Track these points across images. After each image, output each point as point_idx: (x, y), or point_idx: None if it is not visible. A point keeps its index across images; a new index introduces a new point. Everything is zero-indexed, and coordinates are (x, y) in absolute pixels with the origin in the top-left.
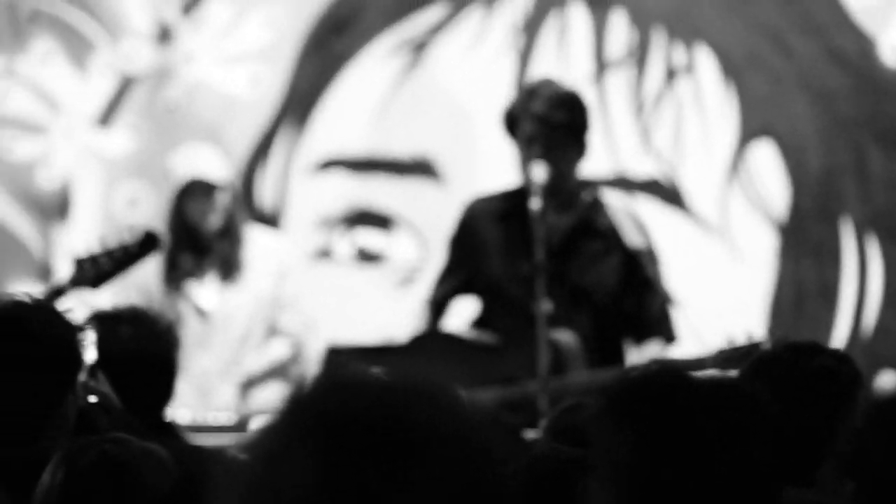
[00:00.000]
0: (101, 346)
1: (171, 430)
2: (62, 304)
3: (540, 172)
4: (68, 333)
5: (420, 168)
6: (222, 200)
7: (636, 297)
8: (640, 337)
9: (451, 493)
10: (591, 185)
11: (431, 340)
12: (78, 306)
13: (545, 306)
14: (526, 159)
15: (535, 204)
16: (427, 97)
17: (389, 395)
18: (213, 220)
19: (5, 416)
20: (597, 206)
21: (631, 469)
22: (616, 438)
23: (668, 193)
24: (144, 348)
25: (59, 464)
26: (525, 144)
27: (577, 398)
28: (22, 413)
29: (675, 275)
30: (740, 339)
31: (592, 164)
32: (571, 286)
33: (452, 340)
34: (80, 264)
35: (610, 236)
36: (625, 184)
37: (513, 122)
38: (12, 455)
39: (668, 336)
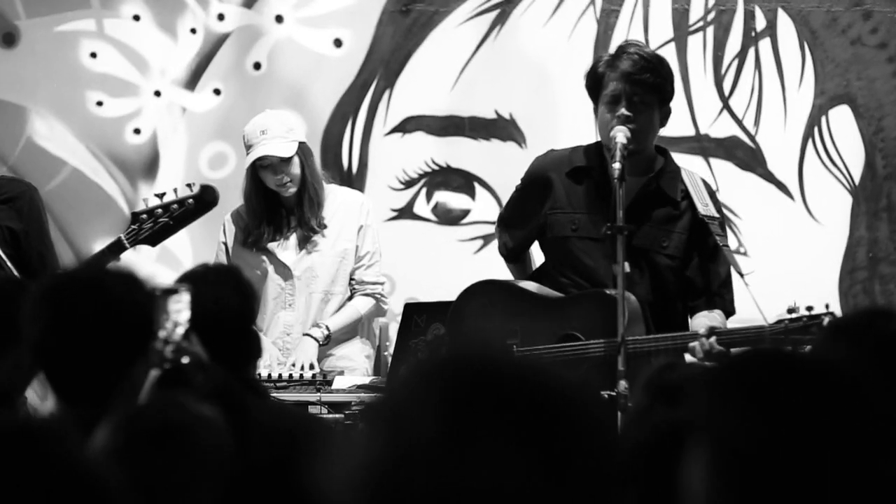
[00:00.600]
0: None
1: (258, 389)
2: (121, 260)
3: (622, 133)
4: (147, 301)
5: (501, 129)
6: (295, 168)
7: (701, 264)
8: (700, 305)
9: (570, 457)
10: (665, 151)
11: (483, 292)
12: (141, 260)
13: (625, 268)
14: (609, 119)
15: (617, 165)
16: (509, 59)
17: (514, 367)
18: (289, 188)
19: (83, 374)
20: (669, 172)
21: (739, 447)
22: (726, 416)
23: (746, 156)
24: (229, 307)
25: (117, 427)
26: (609, 103)
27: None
28: (96, 375)
29: (752, 235)
30: (801, 311)
31: (673, 127)
32: (636, 248)
33: (517, 293)
34: (138, 219)
35: (680, 202)
36: (704, 146)
37: (597, 80)
38: (80, 413)
39: (727, 308)
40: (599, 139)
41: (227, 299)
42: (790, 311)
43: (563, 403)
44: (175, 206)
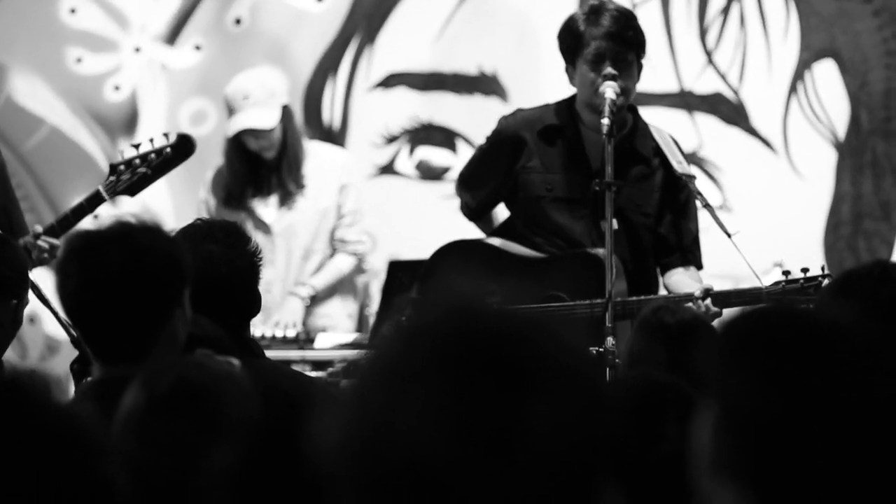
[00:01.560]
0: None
1: (254, 348)
2: (98, 212)
3: (612, 89)
4: (173, 249)
5: (484, 85)
6: (276, 133)
7: (673, 221)
8: (674, 262)
9: (564, 416)
10: (634, 108)
11: (458, 252)
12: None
13: (613, 225)
14: (593, 77)
15: (606, 121)
16: (491, 14)
17: (508, 324)
18: (270, 151)
19: (119, 330)
20: (640, 129)
21: (751, 408)
22: (737, 379)
23: (730, 111)
24: (231, 264)
25: (138, 388)
26: (593, 62)
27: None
28: (133, 328)
29: (736, 191)
30: (784, 268)
31: (657, 82)
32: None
33: (494, 252)
34: (116, 170)
35: (652, 160)
36: (688, 101)
37: (576, 38)
38: (125, 373)
39: (697, 264)
40: (572, 97)
41: (238, 258)
42: (785, 272)
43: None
44: (153, 155)
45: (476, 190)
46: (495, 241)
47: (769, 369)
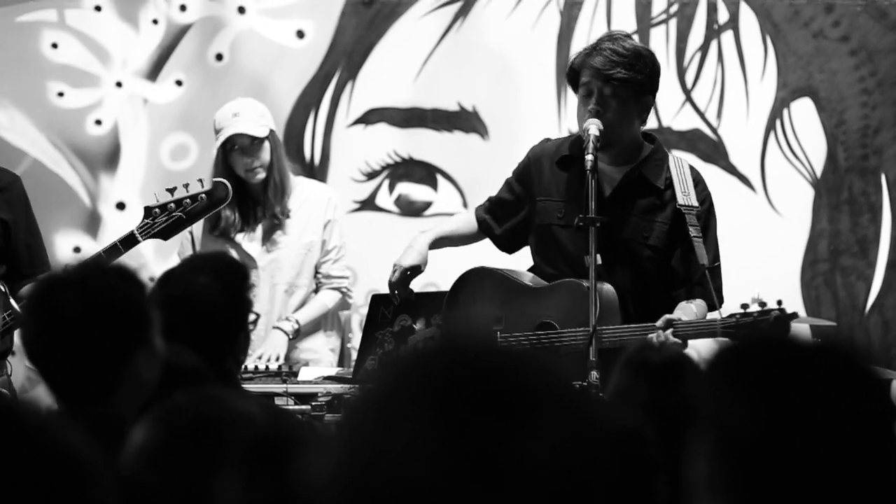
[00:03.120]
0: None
1: (234, 381)
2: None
3: (595, 125)
4: (137, 292)
5: (464, 121)
6: (265, 153)
7: (682, 254)
8: (681, 295)
9: (554, 446)
10: (654, 138)
11: (476, 279)
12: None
13: (596, 260)
14: (583, 112)
15: (589, 157)
16: (472, 51)
17: (495, 356)
18: (258, 173)
19: (79, 373)
20: (655, 160)
21: (743, 436)
22: (730, 404)
23: (708, 148)
24: (220, 297)
25: (154, 424)
26: (583, 96)
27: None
28: (91, 372)
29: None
30: (752, 307)
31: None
32: (619, 239)
33: (502, 280)
34: (151, 213)
35: (664, 191)
36: (666, 138)
37: (575, 73)
38: (87, 412)
39: (706, 297)
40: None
41: (228, 293)
42: (743, 305)
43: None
44: (188, 201)
45: (502, 218)
46: (508, 270)
47: (762, 395)
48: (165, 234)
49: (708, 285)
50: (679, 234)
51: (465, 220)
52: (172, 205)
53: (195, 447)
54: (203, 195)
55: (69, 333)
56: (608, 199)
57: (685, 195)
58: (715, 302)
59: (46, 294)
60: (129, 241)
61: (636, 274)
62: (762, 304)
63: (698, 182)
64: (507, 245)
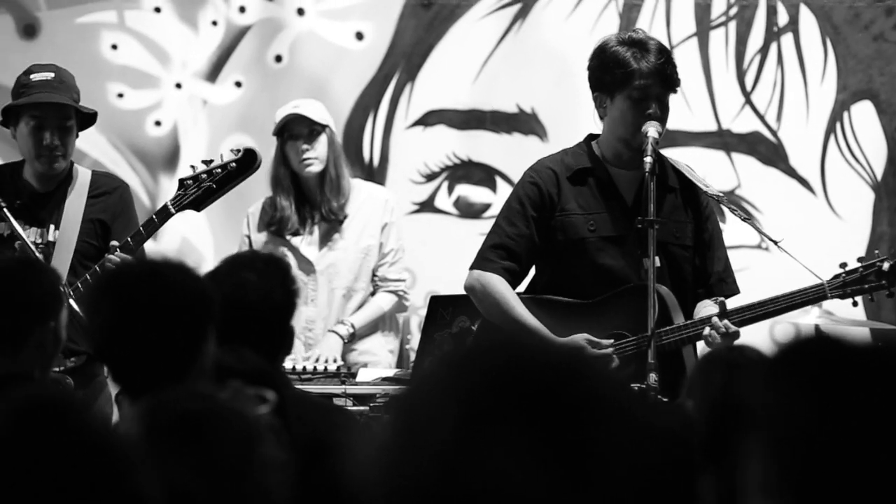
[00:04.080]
0: (228, 291)
1: (283, 379)
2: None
3: (655, 128)
4: (200, 285)
5: (522, 123)
6: (321, 145)
7: (706, 251)
8: (704, 292)
9: (611, 456)
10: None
11: (532, 304)
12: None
13: (655, 262)
14: (634, 114)
15: (648, 159)
16: (531, 53)
17: (550, 358)
18: (313, 164)
19: (146, 368)
20: (663, 161)
21: (797, 437)
22: (785, 405)
23: (768, 151)
24: (273, 299)
25: (141, 417)
26: (637, 99)
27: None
28: (162, 364)
29: (773, 231)
30: (853, 264)
31: (695, 121)
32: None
33: (545, 304)
34: (184, 184)
35: (679, 190)
36: (726, 141)
37: (624, 74)
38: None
39: (731, 291)
40: (587, 139)
41: (273, 290)
42: (842, 264)
43: (589, 403)
44: (218, 169)
45: (523, 259)
46: (541, 296)
47: (817, 396)
48: (196, 204)
49: (731, 276)
50: (700, 230)
51: (507, 288)
52: (204, 175)
53: (173, 443)
54: (233, 163)
55: (142, 325)
56: (632, 206)
57: (707, 187)
58: (738, 289)
59: (118, 285)
60: (163, 214)
61: (676, 276)
62: (860, 258)
63: (701, 178)
64: (525, 276)
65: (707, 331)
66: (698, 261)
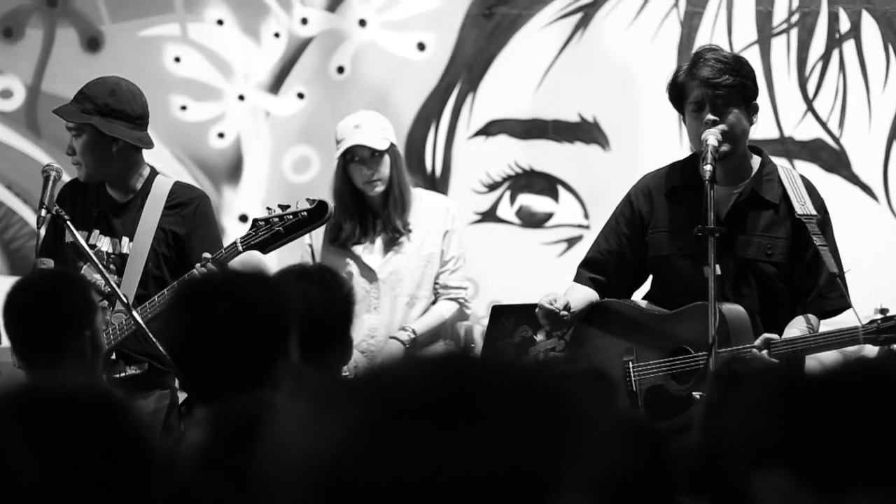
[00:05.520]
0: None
1: None
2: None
3: (714, 136)
4: (278, 299)
5: (584, 132)
6: (385, 167)
7: (805, 267)
8: (798, 310)
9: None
10: (761, 150)
11: (600, 314)
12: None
13: (716, 270)
14: (696, 126)
15: (707, 167)
16: (592, 62)
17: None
18: (377, 186)
19: (220, 380)
20: (766, 175)
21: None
22: (802, 436)
23: (830, 158)
24: (326, 306)
25: (209, 424)
26: (694, 111)
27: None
28: (236, 375)
29: (837, 238)
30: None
31: (757, 129)
32: (739, 259)
33: (628, 310)
34: (256, 224)
35: (778, 206)
36: (788, 148)
37: (679, 90)
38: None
39: (834, 307)
40: (690, 149)
41: (331, 300)
42: (882, 310)
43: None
44: (290, 216)
45: (605, 268)
46: (631, 301)
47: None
48: (263, 246)
49: (835, 292)
50: (801, 247)
51: (574, 288)
52: (276, 219)
53: (240, 450)
54: (304, 212)
55: (218, 336)
56: (725, 220)
57: (802, 205)
58: (851, 304)
59: (196, 296)
60: (230, 250)
61: (764, 293)
62: (883, 310)
63: (811, 190)
64: (628, 288)
65: (748, 357)
66: (797, 277)
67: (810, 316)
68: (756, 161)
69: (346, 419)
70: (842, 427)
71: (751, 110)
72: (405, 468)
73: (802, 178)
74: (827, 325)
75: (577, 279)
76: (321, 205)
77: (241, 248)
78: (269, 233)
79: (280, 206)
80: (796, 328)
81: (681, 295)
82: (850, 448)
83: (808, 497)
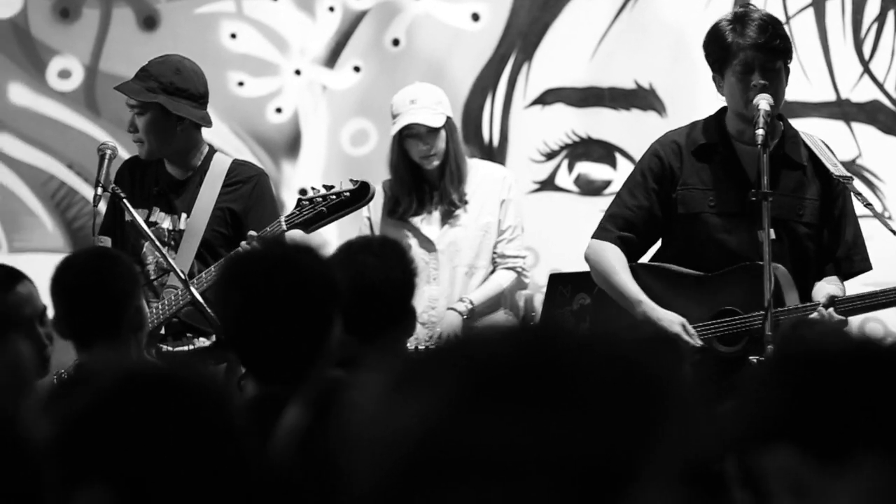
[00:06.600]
0: (348, 275)
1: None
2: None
3: (766, 100)
4: (329, 272)
5: (641, 99)
6: (441, 141)
7: (833, 229)
8: (829, 270)
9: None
10: (781, 115)
11: (644, 274)
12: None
13: (770, 234)
14: (742, 88)
15: (760, 131)
16: (647, 28)
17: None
18: (433, 161)
19: (275, 355)
20: (790, 137)
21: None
22: (778, 396)
23: (888, 120)
24: (387, 277)
25: (306, 406)
26: (742, 73)
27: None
28: (291, 350)
29: (895, 200)
30: None
31: (814, 92)
32: (774, 219)
33: (664, 273)
34: (300, 204)
35: (805, 167)
36: (845, 111)
37: (724, 49)
38: (279, 392)
39: (858, 269)
40: (718, 112)
41: (392, 272)
42: None
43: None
44: (333, 196)
45: (642, 232)
46: (664, 264)
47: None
48: (306, 224)
49: (859, 254)
50: (829, 209)
51: (618, 256)
52: (320, 199)
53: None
54: (347, 192)
55: (274, 312)
56: (755, 183)
57: (835, 166)
58: (869, 266)
59: (250, 271)
60: (275, 229)
61: (796, 254)
62: None
63: (833, 152)
64: (649, 246)
65: (812, 316)
66: (826, 238)
67: (833, 278)
68: (780, 125)
69: (430, 393)
70: (845, 396)
71: (787, 74)
72: (491, 442)
73: (822, 141)
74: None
75: (604, 237)
76: (363, 185)
77: (285, 227)
78: (313, 212)
79: (324, 185)
80: (834, 286)
81: (709, 254)
82: (853, 417)
83: (814, 474)
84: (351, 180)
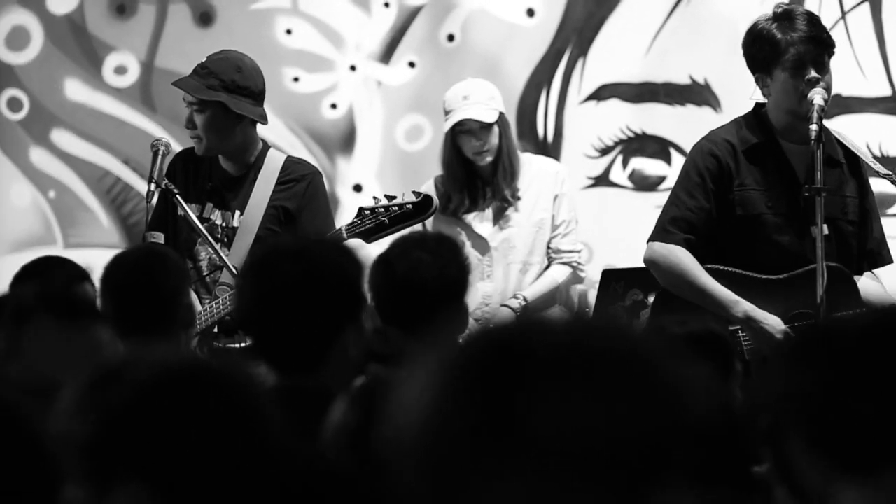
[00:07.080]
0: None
1: None
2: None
3: (821, 95)
4: (353, 269)
5: (696, 94)
6: (494, 137)
7: (868, 226)
8: (863, 267)
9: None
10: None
11: (711, 274)
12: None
13: (823, 230)
14: (795, 84)
15: (814, 126)
16: (702, 24)
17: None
18: (486, 157)
19: (289, 345)
20: (828, 134)
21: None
22: (804, 381)
23: None
24: (441, 274)
25: (353, 404)
26: (793, 69)
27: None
28: (304, 342)
29: None
30: None
31: (869, 87)
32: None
33: (730, 276)
34: (362, 213)
35: (844, 164)
36: None
37: (774, 46)
38: (297, 382)
39: (885, 263)
40: (755, 110)
41: (446, 268)
42: None
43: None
44: (395, 207)
45: (697, 226)
46: (722, 266)
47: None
48: (367, 234)
49: (885, 248)
50: (863, 205)
51: (692, 259)
52: (381, 209)
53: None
54: (410, 205)
55: (286, 303)
56: (805, 182)
57: (874, 162)
58: (892, 259)
59: (265, 263)
60: (336, 237)
61: (843, 251)
62: None
63: (858, 148)
64: (705, 250)
65: None
66: (861, 234)
67: (870, 273)
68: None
69: (461, 382)
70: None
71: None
72: (521, 432)
73: (852, 137)
74: None
75: (670, 239)
76: (427, 199)
77: (345, 236)
78: (375, 222)
79: (386, 196)
80: (880, 282)
81: (770, 255)
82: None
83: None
84: (414, 192)
